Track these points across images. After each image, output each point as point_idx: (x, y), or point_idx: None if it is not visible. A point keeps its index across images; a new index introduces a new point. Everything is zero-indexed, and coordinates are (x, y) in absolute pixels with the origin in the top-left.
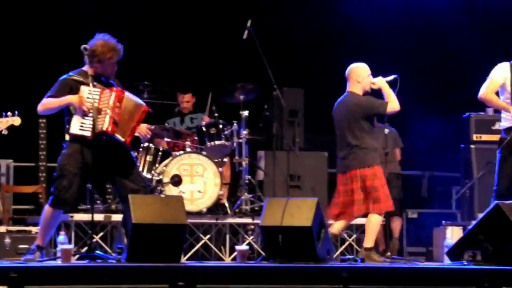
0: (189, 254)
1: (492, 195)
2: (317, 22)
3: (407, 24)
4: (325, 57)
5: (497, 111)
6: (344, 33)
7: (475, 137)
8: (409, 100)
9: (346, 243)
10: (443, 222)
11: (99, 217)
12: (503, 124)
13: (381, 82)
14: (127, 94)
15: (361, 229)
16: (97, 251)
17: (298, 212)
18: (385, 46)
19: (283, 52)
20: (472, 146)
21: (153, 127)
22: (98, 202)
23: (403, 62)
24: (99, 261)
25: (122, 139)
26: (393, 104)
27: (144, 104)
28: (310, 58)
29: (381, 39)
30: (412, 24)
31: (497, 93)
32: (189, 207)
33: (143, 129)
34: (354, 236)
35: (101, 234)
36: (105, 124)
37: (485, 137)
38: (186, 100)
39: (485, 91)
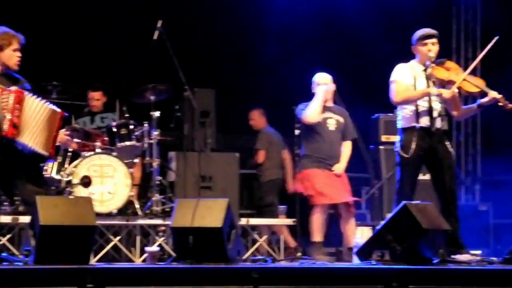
0: (99, 255)
1: (395, 195)
2: (228, 22)
3: (321, 26)
4: (236, 57)
5: None
6: (255, 34)
7: (383, 138)
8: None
9: (257, 244)
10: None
11: (6, 219)
12: (401, 123)
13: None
14: (28, 95)
15: (272, 230)
16: (3, 254)
17: (209, 213)
18: (297, 47)
19: (194, 52)
20: (381, 147)
21: (68, 132)
22: (5, 204)
23: (315, 63)
24: (5, 263)
25: (46, 153)
26: (306, 112)
27: (59, 110)
28: (222, 59)
29: (293, 40)
30: (326, 27)
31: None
32: (99, 208)
33: (63, 137)
34: (265, 237)
35: (8, 236)
36: (3, 127)
37: (393, 138)
38: (96, 98)
39: (398, 92)
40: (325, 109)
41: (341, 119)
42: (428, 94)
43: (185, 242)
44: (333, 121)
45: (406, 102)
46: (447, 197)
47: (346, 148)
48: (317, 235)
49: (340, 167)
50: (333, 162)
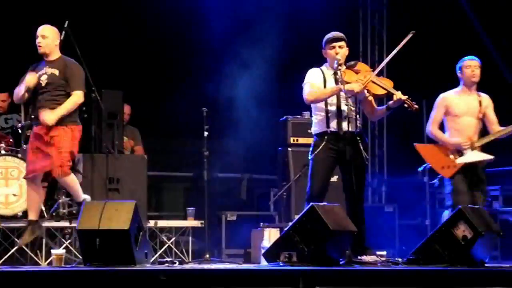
0: (3, 258)
1: (305, 198)
2: (136, 23)
3: (230, 30)
4: (144, 58)
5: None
6: (165, 33)
7: (292, 140)
8: (228, 103)
9: (165, 246)
10: (261, 224)
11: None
12: (314, 129)
13: None
14: None
15: (179, 231)
16: None
17: (116, 215)
18: (206, 49)
19: (101, 54)
20: (289, 149)
21: None
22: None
23: (227, 64)
24: None
25: None
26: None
27: None
28: (130, 60)
29: (196, 41)
30: (235, 30)
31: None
32: (4, 211)
33: None
34: (173, 239)
35: None
36: None
37: (301, 140)
38: (2, 99)
39: (310, 92)
40: None
41: None
42: (340, 90)
43: (91, 245)
44: None
45: (319, 100)
46: (354, 199)
47: None
48: None
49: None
50: None
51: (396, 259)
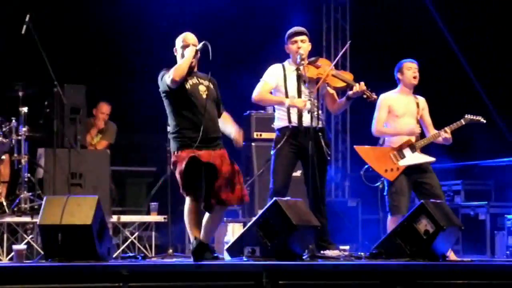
0: None
1: (269, 193)
2: (98, 17)
3: (189, 25)
4: (108, 53)
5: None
6: (130, 27)
7: (255, 134)
8: None
9: (128, 241)
10: (224, 218)
11: None
12: (277, 124)
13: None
14: None
15: (143, 226)
16: None
17: (78, 211)
18: (163, 44)
19: (64, 48)
20: (252, 143)
21: None
22: None
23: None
24: None
25: None
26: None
27: None
28: (93, 54)
29: (161, 35)
30: (195, 26)
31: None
32: None
33: None
34: (136, 234)
35: None
36: None
37: (265, 135)
38: None
39: (259, 92)
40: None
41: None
42: (282, 104)
43: (53, 240)
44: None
45: (262, 102)
46: (316, 194)
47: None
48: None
49: None
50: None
51: (359, 253)
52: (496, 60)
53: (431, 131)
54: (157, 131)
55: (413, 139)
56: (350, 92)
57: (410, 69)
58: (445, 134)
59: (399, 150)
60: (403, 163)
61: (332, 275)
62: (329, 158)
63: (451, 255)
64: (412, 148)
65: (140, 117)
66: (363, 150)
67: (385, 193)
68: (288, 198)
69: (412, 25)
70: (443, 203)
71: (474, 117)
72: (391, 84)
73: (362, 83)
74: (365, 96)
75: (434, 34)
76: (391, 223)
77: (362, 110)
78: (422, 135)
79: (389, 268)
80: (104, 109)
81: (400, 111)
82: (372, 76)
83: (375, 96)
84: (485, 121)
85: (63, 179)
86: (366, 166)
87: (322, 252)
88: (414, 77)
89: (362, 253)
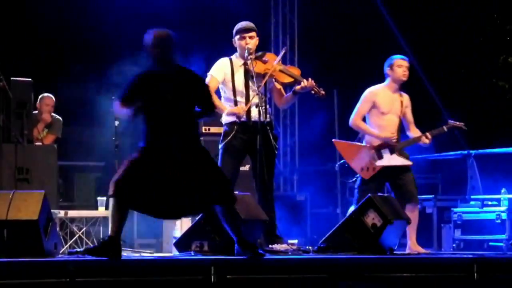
0: None
1: None
2: (48, 11)
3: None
4: (54, 47)
5: None
6: (76, 20)
7: (203, 129)
8: None
9: (76, 236)
10: None
11: None
12: (224, 118)
13: None
14: None
15: (90, 222)
16: None
17: (24, 206)
18: (110, 38)
19: (12, 41)
20: (201, 138)
21: None
22: None
23: (135, 53)
24: None
25: None
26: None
27: None
28: (39, 48)
29: (108, 30)
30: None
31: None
32: None
33: None
34: (84, 229)
35: None
36: None
37: (213, 129)
38: None
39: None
40: None
41: None
42: (222, 112)
43: None
44: None
45: None
46: (264, 188)
47: None
48: None
49: None
50: None
51: (307, 247)
52: (445, 59)
53: (413, 130)
54: (105, 125)
55: (395, 137)
56: (297, 87)
57: (401, 67)
58: (426, 140)
59: (378, 149)
60: (381, 163)
61: (280, 269)
62: (276, 152)
63: (416, 247)
64: (391, 149)
65: (88, 111)
66: (341, 145)
67: (355, 187)
68: (236, 192)
69: (360, 20)
70: (391, 196)
71: (456, 124)
72: (339, 78)
73: (310, 79)
74: (313, 92)
75: (382, 28)
76: None
77: (311, 105)
78: (402, 132)
79: (337, 262)
80: (48, 101)
81: (386, 108)
82: (320, 71)
83: (323, 92)
84: (466, 128)
85: (10, 174)
86: (342, 161)
87: (270, 246)
88: (404, 75)
89: (310, 247)
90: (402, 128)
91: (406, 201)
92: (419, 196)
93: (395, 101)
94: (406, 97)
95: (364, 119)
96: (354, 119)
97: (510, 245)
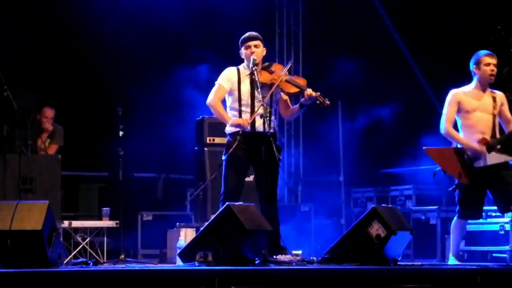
0: None
1: (220, 198)
2: (51, 24)
3: (141, 28)
4: (59, 59)
5: None
6: (80, 34)
7: (208, 139)
8: (144, 103)
9: (80, 247)
10: (177, 224)
11: None
12: (228, 129)
13: None
14: None
15: (94, 232)
16: None
17: (28, 216)
18: (113, 49)
19: (15, 53)
20: (205, 148)
21: None
22: None
23: (141, 66)
24: None
25: None
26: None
27: None
28: (45, 60)
29: (111, 41)
30: (147, 29)
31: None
32: None
33: None
34: (88, 239)
35: None
36: None
37: (218, 140)
38: None
39: (214, 97)
40: None
41: None
42: (225, 122)
43: (3, 246)
44: None
45: (211, 109)
46: (268, 198)
47: None
48: None
49: None
50: None
51: (311, 258)
52: (449, 71)
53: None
54: (109, 135)
55: (487, 134)
56: (302, 100)
57: (488, 65)
58: None
59: (474, 150)
60: (479, 164)
61: (284, 280)
62: (279, 163)
63: None
64: (488, 147)
65: (92, 121)
66: (433, 152)
67: (456, 196)
68: (241, 203)
69: (364, 31)
70: (395, 207)
71: None
72: (344, 89)
73: (311, 90)
74: (318, 102)
75: (385, 39)
76: (456, 225)
77: (315, 115)
78: (501, 132)
79: (341, 273)
80: (48, 113)
81: (471, 105)
82: (325, 83)
83: (328, 102)
84: None
85: (14, 185)
86: (438, 169)
87: (274, 256)
88: (491, 75)
89: (314, 258)
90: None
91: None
92: (422, 207)
93: (483, 98)
94: (500, 95)
95: (455, 125)
96: (446, 126)
97: None
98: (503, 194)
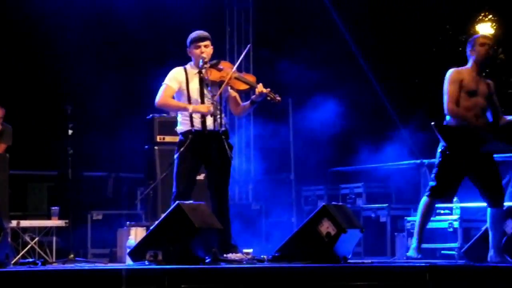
0: None
1: (172, 197)
2: None
3: (93, 28)
4: (6, 56)
5: None
6: (27, 31)
7: (158, 138)
8: (94, 101)
9: (28, 246)
10: (127, 223)
11: None
12: (179, 128)
13: None
14: None
15: (43, 231)
16: None
17: None
18: (63, 46)
19: None
20: (155, 147)
21: None
22: None
23: (91, 66)
24: None
25: None
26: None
27: None
28: None
29: (59, 39)
30: (98, 29)
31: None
32: None
33: None
34: (37, 239)
35: None
36: None
37: (168, 138)
38: None
39: (162, 96)
40: None
41: None
42: (186, 110)
43: None
44: None
45: (165, 108)
46: (219, 197)
47: None
48: None
49: None
50: None
51: (262, 256)
52: (396, 64)
53: (501, 119)
54: (58, 134)
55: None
56: (253, 96)
57: (483, 45)
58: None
59: (485, 133)
60: (487, 148)
61: (235, 279)
62: (231, 161)
63: None
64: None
65: (41, 120)
66: (443, 129)
67: (434, 169)
68: (191, 201)
69: (314, 29)
70: (345, 206)
71: None
72: (294, 87)
73: (261, 86)
74: (269, 98)
75: (335, 37)
76: (425, 205)
77: (267, 113)
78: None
79: (292, 271)
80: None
81: (471, 87)
82: (275, 80)
83: (279, 98)
84: None
85: None
86: (440, 147)
87: (225, 255)
88: (487, 55)
89: (265, 256)
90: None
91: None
92: (372, 205)
93: (481, 83)
94: (492, 83)
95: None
96: (451, 107)
97: (462, 253)
98: (491, 190)
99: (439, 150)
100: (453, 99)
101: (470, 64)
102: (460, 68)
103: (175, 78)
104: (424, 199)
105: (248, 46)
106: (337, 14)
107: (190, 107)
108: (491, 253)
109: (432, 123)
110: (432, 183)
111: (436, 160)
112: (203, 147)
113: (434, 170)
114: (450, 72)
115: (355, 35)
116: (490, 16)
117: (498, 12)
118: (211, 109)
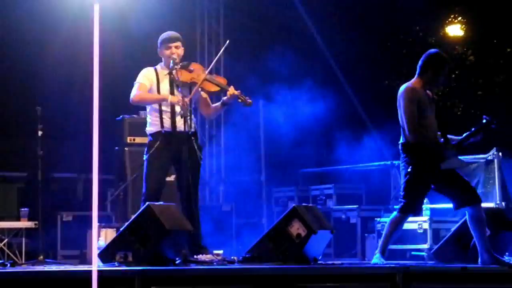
0: None
1: (142, 198)
2: None
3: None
4: None
5: None
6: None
7: (128, 139)
8: (63, 102)
9: None
10: (97, 223)
11: None
12: (149, 129)
13: None
14: None
15: (12, 233)
16: None
17: None
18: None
19: None
20: (126, 148)
21: None
22: None
23: (51, 60)
24: None
25: None
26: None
27: None
28: None
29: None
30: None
31: None
32: None
33: None
34: (6, 240)
35: None
36: None
37: (138, 140)
38: None
39: (138, 93)
40: None
41: None
42: (164, 100)
43: None
44: None
45: (142, 102)
46: (189, 198)
47: None
48: None
49: None
50: None
51: (232, 257)
52: (366, 66)
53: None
54: (28, 135)
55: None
56: (224, 98)
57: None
58: None
59: (446, 151)
60: (449, 165)
61: (205, 280)
62: (200, 162)
63: None
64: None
65: (10, 121)
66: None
67: (402, 187)
68: (161, 202)
69: (285, 30)
70: (315, 207)
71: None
72: (265, 89)
73: (232, 88)
74: (239, 100)
75: (306, 37)
76: (395, 221)
77: (237, 115)
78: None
79: (262, 272)
80: None
81: (425, 105)
82: (246, 82)
83: (249, 100)
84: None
85: None
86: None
87: (195, 256)
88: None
89: (235, 257)
90: None
91: None
92: (343, 207)
93: (430, 98)
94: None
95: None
96: (413, 128)
97: (432, 254)
98: (462, 190)
99: (404, 168)
100: (414, 119)
101: (419, 80)
102: (413, 84)
103: (146, 76)
104: (395, 215)
105: (227, 42)
106: (307, 13)
107: (169, 97)
108: (484, 257)
109: (400, 142)
110: (403, 201)
111: (402, 178)
112: (173, 148)
113: (403, 187)
114: (407, 90)
115: (327, 35)
116: (460, 18)
117: (467, 14)
118: (180, 99)
